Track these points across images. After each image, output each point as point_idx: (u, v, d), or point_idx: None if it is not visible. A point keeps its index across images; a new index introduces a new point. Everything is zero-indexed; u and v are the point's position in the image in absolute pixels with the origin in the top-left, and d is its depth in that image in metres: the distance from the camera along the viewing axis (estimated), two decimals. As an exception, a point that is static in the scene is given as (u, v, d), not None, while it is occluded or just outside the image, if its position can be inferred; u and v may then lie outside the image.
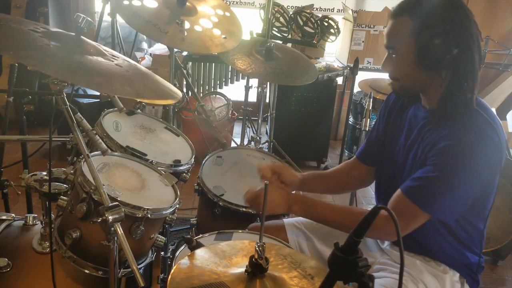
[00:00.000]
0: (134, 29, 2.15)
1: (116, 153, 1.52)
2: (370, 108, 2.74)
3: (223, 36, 1.75)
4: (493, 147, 1.21)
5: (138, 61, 4.03)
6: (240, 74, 3.64)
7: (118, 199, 1.23)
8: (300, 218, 1.62)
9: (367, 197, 3.34)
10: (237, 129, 3.93)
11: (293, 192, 1.57)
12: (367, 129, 2.69)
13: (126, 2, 1.61)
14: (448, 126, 1.24)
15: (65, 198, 1.34)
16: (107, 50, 1.17)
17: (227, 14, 1.86)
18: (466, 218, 1.31)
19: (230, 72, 3.65)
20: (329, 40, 3.65)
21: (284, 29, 3.61)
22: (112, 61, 1.10)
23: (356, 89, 3.72)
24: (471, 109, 1.24)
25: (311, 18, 3.54)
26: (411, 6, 1.25)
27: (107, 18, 3.19)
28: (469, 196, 1.24)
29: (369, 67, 3.92)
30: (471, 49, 1.22)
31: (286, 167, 1.64)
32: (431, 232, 1.33)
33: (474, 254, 1.38)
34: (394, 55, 1.30)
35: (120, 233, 1.10)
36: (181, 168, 1.68)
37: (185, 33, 1.66)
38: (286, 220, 1.63)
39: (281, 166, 1.64)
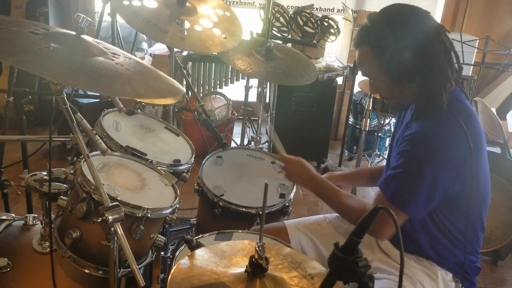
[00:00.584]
0: (135, 29, 2.15)
1: (116, 153, 1.52)
2: (370, 108, 2.74)
3: (223, 36, 1.75)
4: (459, 142, 1.24)
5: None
6: (240, 74, 3.64)
7: (118, 198, 1.23)
8: (302, 221, 1.62)
9: (367, 197, 3.34)
10: (237, 129, 3.93)
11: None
12: (367, 129, 2.69)
13: (126, 2, 1.61)
14: (419, 122, 1.31)
15: (65, 198, 1.34)
16: (108, 47, 1.17)
17: (227, 14, 1.86)
18: (449, 216, 1.33)
19: (230, 72, 3.66)
20: (329, 40, 3.65)
21: (284, 29, 3.61)
22: (113, 60, 1.10)
23: (356, 89, 3.73)
24: (441, 110, 1.29)
25: (311, 18, 3.54)
26: (365, 34, 1.33)
27: (107, 18, 3.18)
28: (436, 187, 1.25)
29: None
30: (430, 51, 1.27)
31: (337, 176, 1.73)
32: (420, 229, 1.36)
33: (469, 253, 1.38)
34: (372, 80, 1.39)
35: (120, 233, 1.10)
36: (181, 168, 1.68)
37: (185, 33, 1.66)
38: (287, 222, 1.63)
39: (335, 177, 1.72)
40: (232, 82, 3.70)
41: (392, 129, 3.13)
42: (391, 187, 1.30)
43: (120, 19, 3.23)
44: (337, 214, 1.65)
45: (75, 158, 1.61)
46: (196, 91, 3.44)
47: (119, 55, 1.16)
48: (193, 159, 1.76)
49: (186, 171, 1.71)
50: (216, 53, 1.85)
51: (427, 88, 1.29)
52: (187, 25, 1.70)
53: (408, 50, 1.25)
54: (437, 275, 1.37)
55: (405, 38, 1.26)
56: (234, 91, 3.89)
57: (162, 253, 1.99)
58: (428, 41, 1.26)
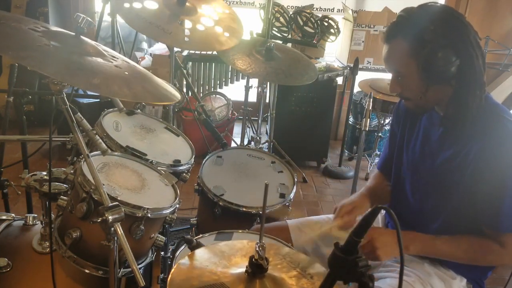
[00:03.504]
0: (138, 31, 2.14)
1: (116, 153, 1.52)
2: (370, 108, 2.73)
3: (226, 33, 1.75)
4: None
5: (138, 61, 4.03)
6: (240, 74, 3.64)
7: (118, 198, 1.23)
8: (304, 221, 1.62)
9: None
10: (237, 129, 3.93)
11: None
12: (367, 129, 2.69)
13: (127, 5, 1.61)
14: (476, 138, 1.23)
15: (65, 198, 1.34)
16: (107, 50, 1.17)
17: (227, 11, 1.86)
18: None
19: (230, 72, 3.65)
20: (329, 40, 3.65)
21: (284, 29, 3.61)
22: (112, 62, 1.10)
23: (356, 89, 3.73)
24: (493, 117, 1.24)
25: (311, 18, 3.54)
26: (402, 27, 1.24)
27: (107, 18, 3.18)
28: None
29: (369, 67, 3.92)
30: (471, 54, 1.21)
31: (353, 206, 1.48)
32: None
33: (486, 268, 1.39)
34: (399, 78, 1.29)
35: (120, 233, 1.10)
36: (181, 168, 1.68)
37: (188, 32, 1.66)
38: (289, 222, 1.63)
39: (350, 207, 1.48)
40: (232, 82, 3.70)
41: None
42: None
43: (120, 19, 3.23)
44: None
45: (75, 158, 1.61)
46: (196, 91, 3.44)
47: (117, 58, 1.16)
48: (193, 159, 1.76)
49: (186, 171, 1.71)
50: (216, 53, 1.85)
51: (466, 89, 1.23)
52: (188, 24, 1.70)
53: (450, 50, 1.18)
54: (453, 281, 1.36)
55: (448, 37, 1.19)
56: (234, 91, 3.89)
57: (162, 253, 1.99)
58: (470, 44, 1.20)
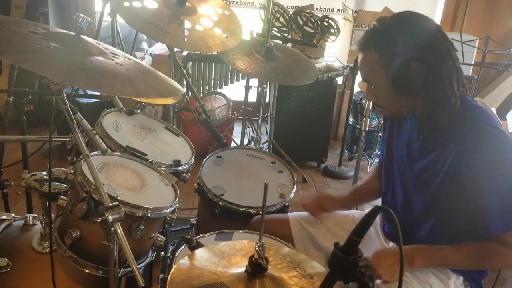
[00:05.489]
0: (137, 30, 2.14)
1: (116, 153, 1.52)
2: (370, 108, 2.73)
3: (224, 35, 1.75)
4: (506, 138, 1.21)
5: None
6: (240, 74, 3.64)
7: (118, 198, 1.23)
8: (304, 214, 1.62)
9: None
10: (237, 129, 3.93)
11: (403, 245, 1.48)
12: (367, 129, 2.69)
13: (126, 4, 1.61)
14: (454, 142, 1.24)
15: (65, 198, 1.34)
16: (108, 48, 1.17)
17: (227, 12, 1.86)
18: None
19: (230, 72, 3.65)
20: (329, 40, 3.65)
21: (284, 29, 3.60)
22: (113, 60, 1.10)
23: (356, 89, 3.72)
24: (471, 122, 1.24)
25: (311, 18, 3.54)
26: (374, 38, 1.26)
27: (107, 18, 3.18)
28: None
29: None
30: (440, 65, 1.22)
31: (325, 195, 1.62)
32: (442, 239, 1.33)
33: None
34: (372, 86, 1.32)
35: (120, 233, 1.10)
36: (181, 168, 1.68)
37: (187, 33, 1.66)
38: (290, 215, 1.64)
39: (320, 196, 1.61)
40: (232, 82, 3.70)
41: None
42: (505, 219, 1.22)
43: (120, 19, 3.23)
44: (337, 211, 1.64)
45: (75, 158, 1.61)
46: (196, 91, 3.44)
47: (118, 56, 1.16)
48: (193, 159, 1.76)
49: (186, 171, 1.71)
50: (216, 53, 1.85)
51: (433, 103, 1.25)
52: (188, 25, 1.70)
53: (418, 62, 1.19)
54: (449, 279, 1.37)
55: (419, 49, 1.20)
56: (234, 91, 3.89)
57: (162, 253, 1.99)
58: (440, 56, 1.21)
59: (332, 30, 3.56)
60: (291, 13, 3.61)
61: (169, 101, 2.00)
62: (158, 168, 1.56)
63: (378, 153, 3.78)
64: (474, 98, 1.37)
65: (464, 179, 1.22)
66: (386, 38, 1.23)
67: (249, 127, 3.67)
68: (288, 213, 1.67)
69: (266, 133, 3.65)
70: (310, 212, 1.58)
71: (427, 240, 1.35)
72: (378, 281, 1.31)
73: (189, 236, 1.18)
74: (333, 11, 4.31)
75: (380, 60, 1.24)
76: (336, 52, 4.31)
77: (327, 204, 1.58)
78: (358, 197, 1.68)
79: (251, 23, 3.56)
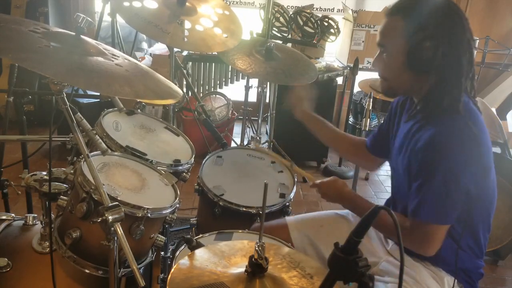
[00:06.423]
0: (137, 30, 2.15)
1: (116, 153, 1.52)
2: (370, 108, 2.73)
3: (225, 35, 1.75)
4: (473, 147, 1.21)
5: (138, 61, 4.02)
6: (240, 74, 3.64)
7: (118, 198, 1.23)
8: (303, 218, 1.62)
9: (367, 197, 3.34)
10: (237, 129, 3.93)
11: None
12: (367, 129, 2.69)
13: (126, 4, 1.61)
14: (428, 130, 1.25)
15: (65, 198, 1.34)
16: (108, 49, 1.17)
17: (226, 12, 1.86)
18: (471, 224, 1.32)
19: (230, 72, 3.66)
20: (329, 40, 3.65)
21: (284, 29, 3.61)
22: (112, 61, 1.10)
23: (356, 89, 3.73)
24: (455, 115, 1.24)
25: (311, 18, 3.54)
26: (406, 7, 1.25)
27: (107, 18, 3.19)
28: (462, 191, 1.23)
29: (369, 67, 3.92)
30: (459, 57, 1.23)
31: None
32: None
33: (477, 259, 1.39)
34: (384, 54, 1.31)
35: (120, 233, 1.10)
36: (181, 168, 1.68)
37: (187, 33, 1.66)
38: (288, 219, 1.63)
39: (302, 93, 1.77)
40: (232, 82, 3.70)
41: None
42: (427, 207, 1.24)
43: (120, 19, 3.23)
44: (337, 213, 1.65)
45: (75, 158, 1.61)
46: (196, 91, 3.44)
47: (118, 56, 1.16)
48: (193, 159, 1.76)
49: (186, 171, 1.71)
50: (216, 53, 1.85)
51: (442, 89, 1.24)
52: (188, 25, 1.70)
53: (440, 42, 1.19)
54: (443, 280, 1.37)
55: (443, 30, 1.20)
56: (234, 91, 3.89)
57: (162, 253, 1.99)
58: (460, 42, 1.22)
59: (332, 30, 3.57)
60: (291, 13, 3.62)
61: (169, 101, 2.00)
62: (158, 168, 1.56)
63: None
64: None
65: (422, 158, 1.24)
66: (418, 10, 1.22)
67: (249, 127, 3.67)
68: (286, 218, 1.66)
69: (266, 133, 3.65)
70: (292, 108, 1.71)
71: None
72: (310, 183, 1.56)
73: (189, 236, 1.18)
74: (333, 11, 4.31)
75: (405, 29, 1.23)
76: (336, 52, 4.31)
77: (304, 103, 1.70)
78: (321, 127, 1.86)
79: (251, 23, 3.56)
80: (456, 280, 1.38)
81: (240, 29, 1.84)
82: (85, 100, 3.39)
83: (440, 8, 1.23)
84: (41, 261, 1.37)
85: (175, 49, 2.40)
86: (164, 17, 1.66)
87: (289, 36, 3.62)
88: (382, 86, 1.38)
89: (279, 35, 3.58)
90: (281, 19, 3.58)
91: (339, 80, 3.82)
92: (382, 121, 3.52)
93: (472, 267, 1.39)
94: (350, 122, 3.96)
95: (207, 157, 1.92)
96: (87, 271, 1.28)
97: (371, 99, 2.82)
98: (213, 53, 1.96)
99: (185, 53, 3.54)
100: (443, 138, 1.21)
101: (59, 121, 1.82)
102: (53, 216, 1.36)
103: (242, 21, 1.88)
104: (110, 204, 1.09)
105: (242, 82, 3.37)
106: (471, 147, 1.22)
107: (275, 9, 3.52)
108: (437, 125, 1.23)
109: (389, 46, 1.29)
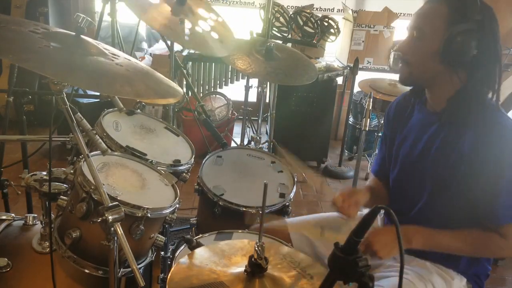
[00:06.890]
0: (140, 18, 2.10)
1: (116, 153, 1.52)
2: (370, 108, 2.73)
3: (220, 40, 1.75)
4: None
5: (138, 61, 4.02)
6: (240, 74, 3.64)
7: (118, 198, 1.23)
8: (303, 220, 1.62)
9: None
10: (237, 129, 3.93)
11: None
12: (367, 129, 2.69)
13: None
14: (467, 131, 1.23)
15: (65, 198, 1.34)
16: (108, 48, 1.17)
17: (219, 19, 1.86)
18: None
19: (230, 72, 3.66)
20: (329, 40, 3.65)
21: (284, 29, 3.60)
22: (113, 61, 1.10)
23: (356, 89, 3.72)
24: (489, 112, 1.23)
25: (311, 18, 3.54)
26: None
27: (107, 18, 3.18)
28: None
29: (369, 67, 3.91)
30: (496, 55, 1.21)
31: (355, 191, 1.49)
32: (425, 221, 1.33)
33: (486, 262, 1.39)
34: (417, 37, 1.26)
35: (120, 233, 1.10)
36: (181, 168, 1.68)
37: (188, 32, 1.66)
38: (289, 220, 1.63)
39: (349, 191, 1.49)
40: (232, 82, 3.70)
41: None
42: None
43: (120, 19, 3.23)
44: (337, 215, 1.64)
45: (75, 158, 1.61)
46: (196, 91, 3.44)
47: (118, 56, 1.16)
48: (193, 159, 1.76)
49: (186, 171, 1.71)
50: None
51: (475, 86, 1.22)
52: (188, 25, 1.70)
53: (484, 40, 1.18)
54: (453, 279, 1.37)
55: (487, 26, 1.19)
56: (234, 91, 3.89)
57: (162, 253, 1.99)
58: (499, 45, 1.21)
59: (332, 30, 3.56)
60: (291, 13, 3.61)
61: (169, 101, 2.00)
62: (158, 168, 1.56)
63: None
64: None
65: (483, 167, 1.21)
66: (463, 2, 1.20)
67: (249, 127, 3.67)
68: (286, 219, 1.66)
69: (266, 133, 3.65)
70: (346, 214, 1.42)
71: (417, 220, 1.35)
72: (378, 261, 1.29)
73: (189, 236, 1.18)
74: (333, 11, 4.31)
75: (448, 16, 1.19)
76: (336, 52, 4.30)
77: (360, 199, 1.45)
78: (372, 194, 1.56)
79: (251, 23, 3.56)
80: (466, 280, 1.39)
81: (231, 37, 1.82)
82: (85, 100, 3.39)
83: (484, 3, 1.22)
84: (41, 261, 1.37)
85: (175, 49, 2.40)
86: (167, 13, 1.65)
87: (289, 36, 3.62)
88: (402, 72, 1.31)
89: (279, 35, 3.58)
90: (281, 19, 3.58)
91: (339, 80, 3.82)
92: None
93: (482, 268, 1.40)
94: (350, 122, 3.96)
95: (207, 157, 1.92)
96: (87, 271, 1.28)
97: (371, 99, 2.81)
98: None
99: (185, 53, 3.54)
100: (500, 140, 1.20)
101: (59, 121, 1.83)
102: (53, 216, 1.36)
103: (242, 21, 1.87)
104: (110, 204, 1.09)
105: (242, 82, 3.37)
106: None
107: (275, 9, 3.52)
108: (486, 125, 1.21)
109: (427, 30, 1.23)
